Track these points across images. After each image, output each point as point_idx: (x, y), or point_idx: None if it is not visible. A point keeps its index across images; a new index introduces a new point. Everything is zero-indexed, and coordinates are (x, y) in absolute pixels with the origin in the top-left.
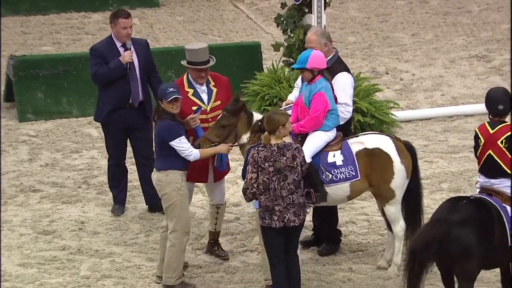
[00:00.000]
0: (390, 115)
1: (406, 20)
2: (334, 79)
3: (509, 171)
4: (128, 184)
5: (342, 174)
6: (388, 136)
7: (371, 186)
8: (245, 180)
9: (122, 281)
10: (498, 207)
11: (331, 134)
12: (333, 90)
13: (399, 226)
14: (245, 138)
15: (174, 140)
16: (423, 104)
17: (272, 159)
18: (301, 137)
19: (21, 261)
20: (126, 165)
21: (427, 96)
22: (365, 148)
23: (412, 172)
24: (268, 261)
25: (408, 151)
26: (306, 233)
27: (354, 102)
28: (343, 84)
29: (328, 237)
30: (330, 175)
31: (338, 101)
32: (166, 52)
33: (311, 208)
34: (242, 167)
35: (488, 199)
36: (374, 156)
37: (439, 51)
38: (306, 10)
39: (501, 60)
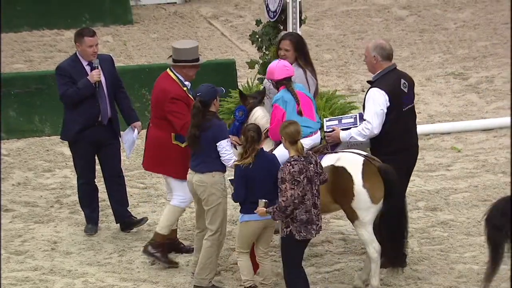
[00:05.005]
0: None
1: (382, 38)
2: (366, 94)
3: None
4: (100, 203)
5: None
6: (365, 157)
7: (336, 203)
8: (284, 199)
9: None
10: None
11: None
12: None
13: (372, 248)
14: None
15: (226, 139)
16: None
17: (304, 170)
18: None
19: None
20: (97, 184)
21: None
22: (332, 165)
23: (387, 197)
24: (267, 268)
25: (382, 175)
26: None
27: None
28: (369, 100)
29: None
30: None
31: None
32: (140, 69)
33: None
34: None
35: None
36: (338, 174)
37: (415, 68)
38: (281, 27)
39: (478, 77)
